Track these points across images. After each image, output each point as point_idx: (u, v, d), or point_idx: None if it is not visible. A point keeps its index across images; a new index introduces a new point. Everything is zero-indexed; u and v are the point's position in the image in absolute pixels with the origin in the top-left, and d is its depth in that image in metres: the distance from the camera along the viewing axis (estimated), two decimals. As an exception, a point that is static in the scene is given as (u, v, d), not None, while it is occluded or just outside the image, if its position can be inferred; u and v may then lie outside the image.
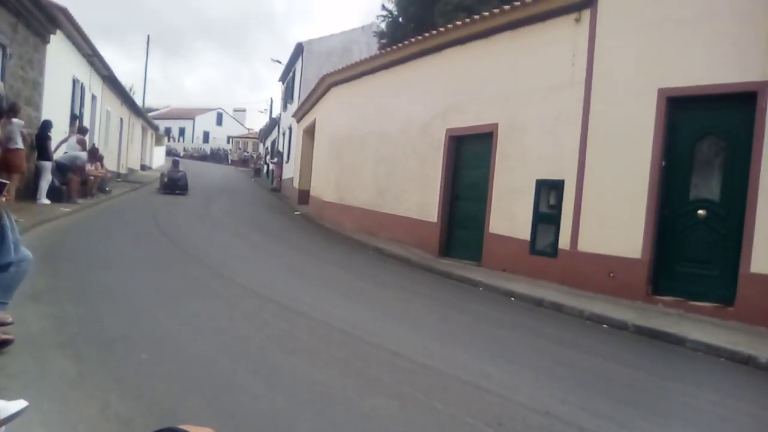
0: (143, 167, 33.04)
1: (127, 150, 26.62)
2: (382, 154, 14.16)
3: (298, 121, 25.44)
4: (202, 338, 4.64)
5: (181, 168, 22.90)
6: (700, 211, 7.62)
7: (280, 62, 35.21)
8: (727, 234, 7.35)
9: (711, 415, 4.18)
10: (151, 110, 54.08)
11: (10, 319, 3.90)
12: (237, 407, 3.33)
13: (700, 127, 7.74)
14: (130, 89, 34.12)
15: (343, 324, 5.47)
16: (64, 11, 13.01)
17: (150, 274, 7.19)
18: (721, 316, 7.12)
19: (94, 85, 18.38)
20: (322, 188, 18.28)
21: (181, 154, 57.49)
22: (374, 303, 7.04)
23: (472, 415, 3.54)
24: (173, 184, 21.28)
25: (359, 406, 3.52)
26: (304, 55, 27.47)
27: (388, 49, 14.79)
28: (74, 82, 15.91)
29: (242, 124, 74.61)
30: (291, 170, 26.68)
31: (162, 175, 22.53)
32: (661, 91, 7.89)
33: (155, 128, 38.76)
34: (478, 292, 8.55)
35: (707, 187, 7.71)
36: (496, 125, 10.38)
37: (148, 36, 43.06)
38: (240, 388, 3.63)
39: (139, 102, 34.21)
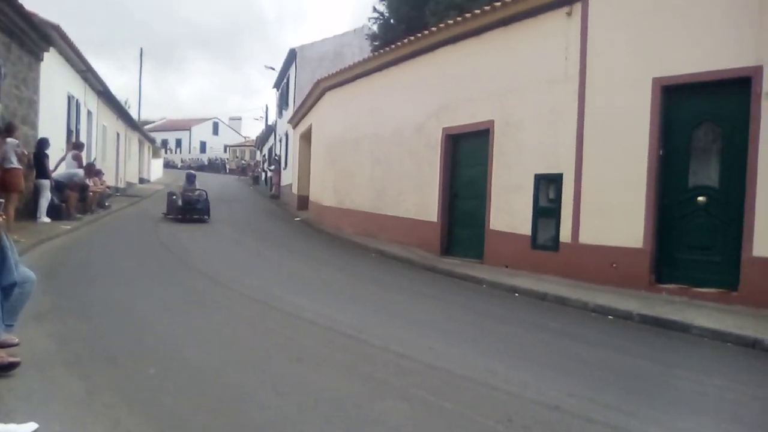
0: (141, 180, 33.06)
1: (125, 164, 26.63)
2: (378, 156, 14.17)
3: (294, 127, 25.45)
4: (207, 350, 4.64)
5: (198, 184, 17.65)
6: (700, 198, 7.63)
7: (273, 69, 35.30)
8: (728, 219, 7.36)
9: (719, 401, 4.19)
10: (146, 123, 54.14)
11: (16, 340, 3.90)
12: (246, 417, 3.33)
13: (696, 115, 7.75)
14: (125, 103, 34.18)
15: (347, 328, 5.47)
16: (57, 28, 13.03)
17: (152, 288, 7.19)
18: (725, 301, 7.13)
19: (89, 101, 18.40)
20: (321, 193, 18.29)
21: (179, 165, 57.64)
22: (378, 306, 7.05)
23: (481, 413, 3.54)
24: (190, 208, 15.97)
25: (368, 410, 3.52)
26: (297, 60, 27.51)
27: (381, 51, 14.81)
28: (69, 98, 15.92)
29: (238, 133, 74.64)
30: (289, 176, 26.69)
31: (171, 195, 16.86)
32: (655, 80, 7.90)
33: (152, 141, 38.78)
34: (482, 289, 8.55)
35: (706, 173, 7.72)
36: (492, 122, 10.39)
37: (141, 49, 43.35)
38: (248, 398, 3.64)
39: (134, 115, 34.27)
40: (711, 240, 7.52)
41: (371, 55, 15.99)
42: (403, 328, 5.78)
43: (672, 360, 5.26)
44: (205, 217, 16.14)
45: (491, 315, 6.91)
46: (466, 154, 11.37)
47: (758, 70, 7.01)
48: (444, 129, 11.66)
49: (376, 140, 14.28)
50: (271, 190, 31.83)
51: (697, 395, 4.28)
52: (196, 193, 16.60)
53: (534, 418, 3.53)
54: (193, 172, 19.36)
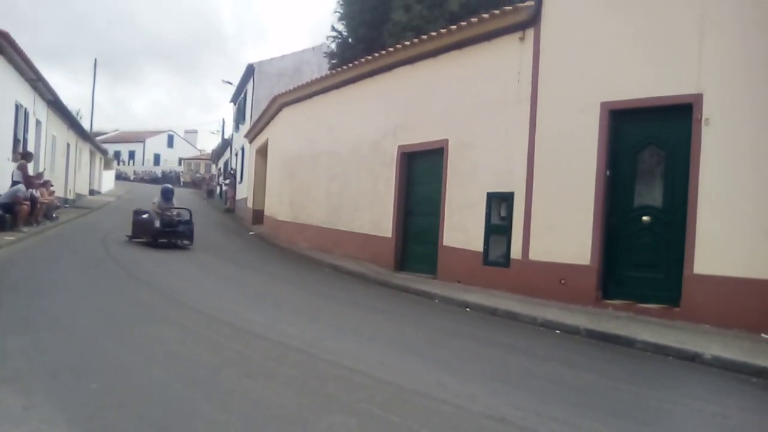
0: (92, 192, 32.26)
1: (75, 175, 25.93)
2: (334, 172, 14.21)
3: (251, 142, 25.28)
4: (153, 365, 4.55)
5: (176, 201, 14.60)
6: (645, 218, 7.90)
7: (231, 83, 35.09)
8: (671, 238, 7.64)
9: (660, 413, 4.31)
10: (99, 134, 52.96)
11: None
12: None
13: (641, 138, 8.05)
14: (77, 113, 33.35)
15: (299, 343, 5.45)
16: (5, 35, 12.70)
17: (98, 302, 7.01)
18: (668, 317, 7.38)
19: (38, 110, 17.91)
20: (276, 208, 18.18)
21: (132, 178, 56.44)
22: (330, 320, 7.02)
23: (429, 426, 3.57)
24: (170, 231, 13.23)
25: (315, 425, 3.50)
26: (255, 76, 27.41)
27: (339, 69, 14.89)
28: (17, 107, 15.46)
29: (194, 146, 73.60)
30: (245, 190, 26.45)
31: (139, 214, 14.09)
32: (603, 105, 8.19)
33: (104, 152, 37.91)
34: (434, 304, 8.62)
35: (650, 194, 8.00)
36: (446, 141, 10.56)
37: (95, 59, 42.31)
38: (194, 414, 3.58)
39: (86, 126, 33.47)
40: (655, 258, 7.79)
41: (329, 72, 16.06)
42: (355, 343, 5.78)
43: (616, 373, 5.39)
44: (187, 242, 13.44)
45: (443, 329, 6.97)
46: (421, 172, 11.51)
47: (699, 97, 7.34)
48: (400, 147, 11.78)
49: (334, 157, 14.32)
50: (226, 203, 31.48)
51: (639, 408, 4.40)
52: (175, 212, 13.71)
53: (481, 431, 3.58)
54: (169, 186, 15.47)
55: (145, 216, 13.89)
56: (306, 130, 16.09)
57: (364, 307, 8.18)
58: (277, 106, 18.35)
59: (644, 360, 5.93)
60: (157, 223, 13.09)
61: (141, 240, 13.56)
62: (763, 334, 6.65)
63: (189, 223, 13.63)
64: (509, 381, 4.82)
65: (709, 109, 7.26)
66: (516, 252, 9.14)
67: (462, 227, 10.15)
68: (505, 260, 9.33)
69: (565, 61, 8.71)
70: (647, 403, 4.53)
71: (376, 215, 12.36)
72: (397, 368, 4.89)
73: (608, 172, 8.15)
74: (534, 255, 8.87)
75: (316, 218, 14.97)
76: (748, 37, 7.09)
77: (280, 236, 17.01)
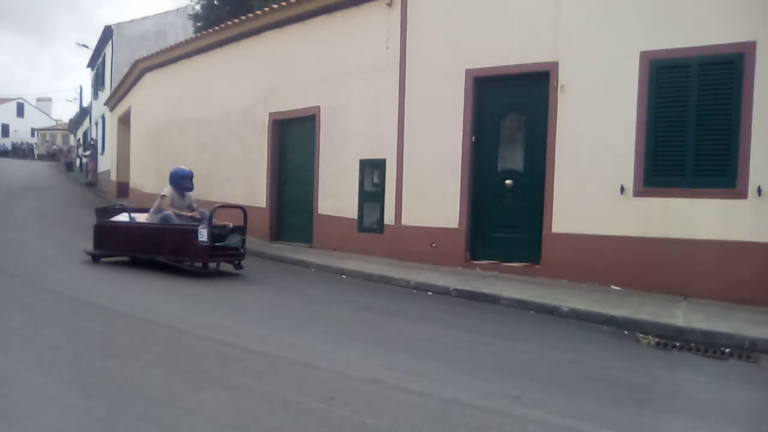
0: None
1: None
2: (204, 140, 13.67)
3: (112, 110, 23.69)
4: (4, 353, 4.20)
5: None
6: (507, 181, 8.33)
7: (87, 47, 32.46)
8: (532, 200, 8.12)
9: (523, 363, 4.63)
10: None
11: None
12: (47, 422, 3.06)
13: (503, 104, 8.42)
14: None
15: (168, 320, 5.24)
16: None
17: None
18: (530, 274, 7.90)
19: None
20: (143, 179, 17.26)
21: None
22: (201, 295, 6.81)
23: (303, 394, 3.58)
24: (222, 249, 8.04)
25: (186, 402, 3.40)
26: (114, 39, 25.50)
27: (205, 32, 14.24)
28: None
29: (48, 115, 67.63)
30: (107, 162, 24.82)
31: (109, 214, 9.47)
32: (468, 72, 8.46)
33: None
34: (310, 273, 8.64)
35: (512, 158, 8.43)
36: (318, 108, 10.47)
37: None
38: (52, 401, 3.34)
39: None
40: (517, 219, 8.26)
41: (195, 35, 15.32)
42: (228, 316, 5.66)
43: (483, 329, 5.70)
44: (239, 264, 8.19)
45: (318, 298, 7.00)
46: (294, 140, 11.36)
47: (555, 65, 7.78)
48: (271, 114, 11.54)
49: (202, 124, 13.75)
50: (87, 177, 29.36)
51: (504, 360, 4.69)
52: (203, 216, 8.24)
53: (355, 394, 3.64)
54: (187, 170, 9.09)
55: (138, 217, 8.84)
56: (172, 97, 15.30)
57: (236, 279, 8.00)
58: (138, 71, 17.28)
59: (509, 315, 6.32)
60: (204, 237, 7.74)
61: (116, 258, 8.79)
62: (613, 286, 7.31)
63: (242, 231, 8.37)
64: (383, 343, 4.94)
65: (564, 77, 7.73)
66: (389, 218, 9.33)
67: (336, 195, 10.19)
68: (379, 226, 9.49)
69: (432, 29, 8.89)
70: (512, 355, 4.84)
71: (250, 185, 12.09)
72: (271, 339, 4.85)
73: (474, 138, 8.48)
74: (406, 220, 9.10)
75: (186, 189, 14.35)
76: (599, 8, 7.57)
77: (147, 210, 16.17)
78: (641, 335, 5.64)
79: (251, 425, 3.10)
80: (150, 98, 16.80)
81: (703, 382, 4.41)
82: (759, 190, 6.57)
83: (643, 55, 7.18)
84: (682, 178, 7.03)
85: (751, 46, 6.61)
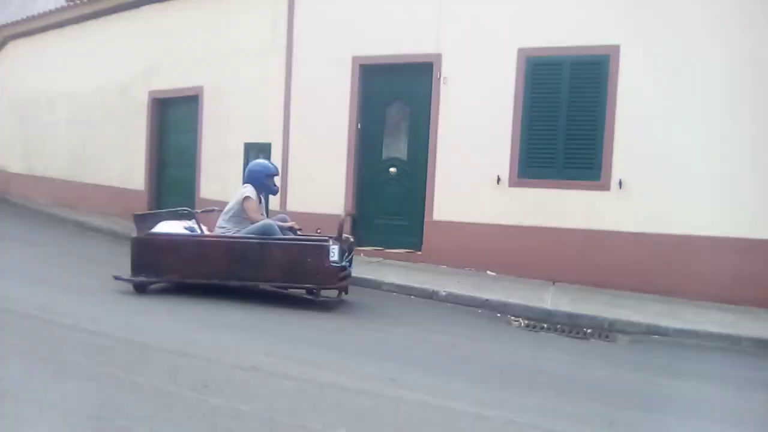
0: None
1: None
2: (76, 118, 12.78)
3: (-31, 80, 21.56)
4: None
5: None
6: (392, 169, 8.50)
7: (-62, 7, 29.27)
8: (414, 188, 8.34)
9: (399, 347, 4.78)
10: None
11: None
12: None
13: (389, 93, 8.56)
14: None
15: (29, 308, 4.88)
16: None
17: None
18: (412, 260, 8.14)
19: None
20: (6, 158, 15.87)
21: None
22: (68, 282, 6.41)
23: (176, 383, 3.48)
24: (346, 270, 6.12)
25: (46, 395, 3.20)
26: (-30, 0, 23.20)
27: (78, 1, 13.27)
28: None
29: None
30: (-36, 138, 22.62)
31: (146, 221, 6.65)
32: (355, 59, 8.50)
33: None
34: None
35: (397, 146, 8.59)
36: (201, 88, 10.13)
37: None
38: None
39: None
40: (400, 207, 8.45)
41: (67, 4, 14.23)
42: (97, 305, 5.39)
43: (363, 314, 5.80)
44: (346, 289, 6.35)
45: (194, 286, 6.77)
46: (176, 120, 10.92)
47: (438, 57, 8.01)
48: (151, 92, 11.00)
49: (75, 100, 12.83)
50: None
51: (381, 344, 4.83)
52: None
53: (230, 381, 3.59)
54: (271, 165, 7.02)
55: (222, 229, 6.52)
56: (39, 69, 14.12)
57: (107, 265, 7.46)
58: (1, 38, 15.82)
59: (390, 300, 6.49)
60: (335, 256, 5.80)
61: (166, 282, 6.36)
62: (488, 272, 7.69)
63: (352, 247, 6.40)
64: (262, 331, 4.91)
65: (447, 69, 7.97)
66: (274, 203, 9.20)
67: (219, 178, 9.90)
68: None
69: (320, 13, 8.81)
70: (389, 339, 4.99)
71: (127, 166, 11.47)
72: (144, 327, 4.68)
73: (359, 125, 8.56)
74: (292, 206, 9.01)
75: (57, 170, 13.39)
76: (481, 5, 7.84)
77: (11, 191, 14.89)
78: (512, 318, 6.00)
79: None
80: (13, 69, 15.43)
81: (564, 360, 4.77)
82: (620, 183, 7.15)
83: (521, 51, 7.56)
84: (553, 170, 7.51)
85: (616, 49, 7.15)
